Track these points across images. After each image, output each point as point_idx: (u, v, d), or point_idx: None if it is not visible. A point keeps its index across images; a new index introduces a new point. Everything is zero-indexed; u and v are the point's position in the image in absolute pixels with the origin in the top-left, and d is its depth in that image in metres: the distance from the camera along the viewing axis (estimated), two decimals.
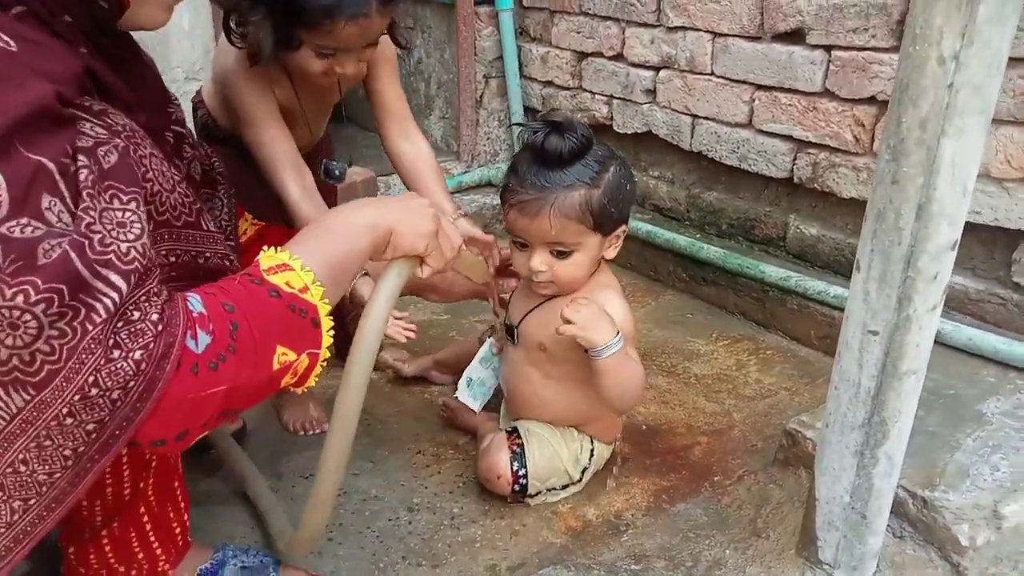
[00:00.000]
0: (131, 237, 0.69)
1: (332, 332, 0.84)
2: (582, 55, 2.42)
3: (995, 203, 1.58)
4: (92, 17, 0.75)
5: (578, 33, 2.40)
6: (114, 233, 0.68)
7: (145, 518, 0.95)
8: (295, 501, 1.28)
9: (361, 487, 1.32)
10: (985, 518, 1.13)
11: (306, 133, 1.39)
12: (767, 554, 1.13)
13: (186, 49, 1.46)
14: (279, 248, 0.84)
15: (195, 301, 0.74)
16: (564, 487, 1.32)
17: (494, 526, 1.24)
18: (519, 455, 1.26)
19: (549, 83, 2.57)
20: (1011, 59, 1.48)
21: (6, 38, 0.65)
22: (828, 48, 1.77)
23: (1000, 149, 1.54)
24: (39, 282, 0.62)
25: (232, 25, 1.15)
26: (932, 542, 1.13)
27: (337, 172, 1.46)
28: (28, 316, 0.62)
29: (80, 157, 0.67)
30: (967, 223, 1.58)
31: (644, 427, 1.52)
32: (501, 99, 2.68)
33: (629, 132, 2.34)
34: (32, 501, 0.70)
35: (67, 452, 0.69)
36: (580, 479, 1.32)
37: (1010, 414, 1.35)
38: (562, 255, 1.20)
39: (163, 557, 1.01)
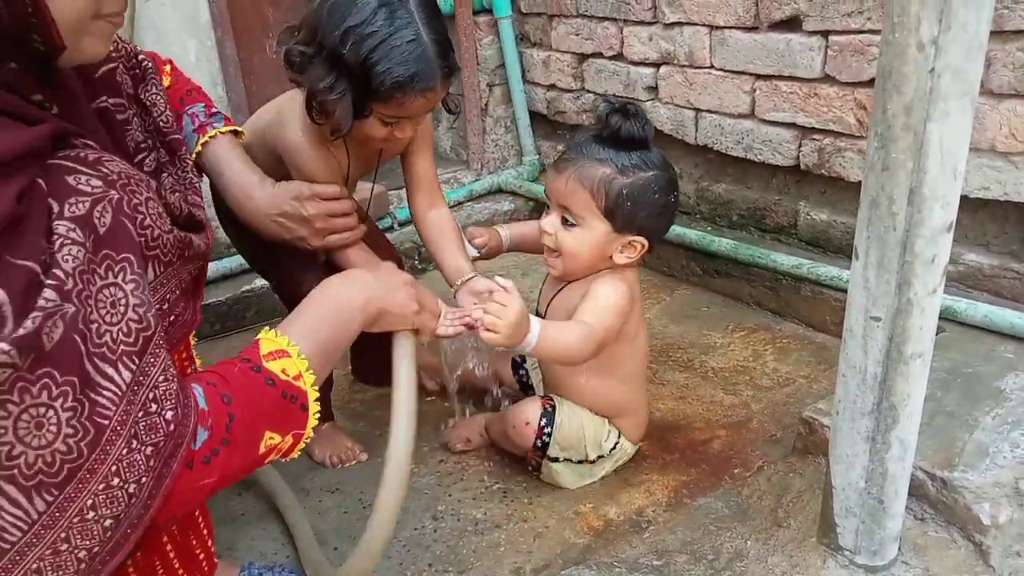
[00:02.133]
0: (126, 312, 0.71)
1: (317, 415, 0.90)
2: (583, 57, 2.43)
3: (1003, 177, 1.57)
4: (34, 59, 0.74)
5: (577, 35, 2.42)
6: (108, 317, 0.69)
7: (169, 547, 0.98)
8: (323, 515, 1.32)
9: None
10: (1007, 495, 1.12)
11: (348, 188, 1.44)
12: (788, 543, 1.14)
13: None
14: (278, 332, 0.90)
15: (199, 395, 0.78)
16: (579, 463, 1.33)
17: (517, 529, 1.26)
18: (549, 414, 1.31)
19: (552, 86, 2.59)
20: (1010, 32, 1.48)
21: None
22: (825, 34, 1.77)
23: (1004, 123, 1.53)
24: (57, 375, 0.64)
25: (313, 103, 1.19)
26: (954, 523, 1.13)
27: None
28: (51, 412, 0.63)
29: (73, 232, 0.68)
30: (977, 199, 1.60)
31: (663, 423, 1.53)
32: (506, 106, 2.71)
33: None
34: None
35: (82, 554, 0.68)
36: (594, 461, 1.33)
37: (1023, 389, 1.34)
38: (568, 224, 1.24)
39: None
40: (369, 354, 1.61)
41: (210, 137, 1.20)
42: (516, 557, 1.20)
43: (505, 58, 2.61)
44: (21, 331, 0.62)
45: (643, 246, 1.26)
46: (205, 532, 1.04)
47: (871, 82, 1.72)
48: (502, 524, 1.27)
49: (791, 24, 1.82)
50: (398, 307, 1.02)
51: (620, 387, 1.35)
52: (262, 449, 0.83)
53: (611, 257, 1.27)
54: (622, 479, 1.35)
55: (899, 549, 1.10)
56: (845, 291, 1.78)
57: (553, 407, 1.32)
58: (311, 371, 0.88)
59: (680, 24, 2.08)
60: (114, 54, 0.95)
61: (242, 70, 2.21)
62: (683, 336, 1.86)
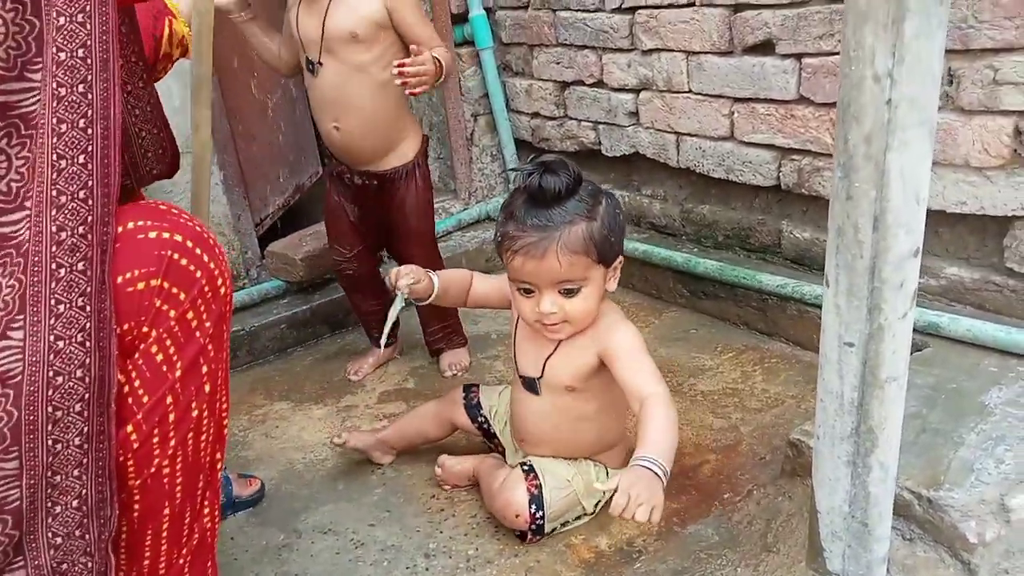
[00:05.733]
0: None
1: None
2: (564, 84, 2.47)
3: (979, 192, 1.58)
4: None
5: (558, 64, 2.45)
6: None
7: None
8: (315, 558, 1.32)
9: (379, 537, 1.35)
10: (992, 512, 1.13)
11: None
12: (778, 569, 1.14)
13: (178, 125, 1.53)
14: None
15: None
16: (577, 518, 1.34)
17: (509, 565, 1.26)
18: (537, 497, 1.28)
19: (536, 114, 2.62)
20: (977, 50, 1.51)
21: None
22: (798, 56, 1.80)
23: (976, 139, 1.56)
24: None
25: None
26: (941, 542, 1.14)
27: None
28: None
29: None
30: (955, 214, 1.61)
31: None
32: (491, 135, 2.74)
33: (618, 155, 2.38)
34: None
35: None
36: (593, 512, 1.34)
37: (1013, 403, 1.35)
38: (570, 293, 1.22)
39: None
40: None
41: None
42: None
43: (488, 88, 2.64)
44: None
45: (621, 260, 1.29)
46: None
47: None
48: (493, 560, 1.27)
49: (765, 48, 1.85)
50: None
51: (612, 423, 1.37)
52: None
53: (606, 290, 1.29)
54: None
55: (887, 571, 1.10)
56: None
57: (539, 487, 1.29)
58: None
59: (657, 51, 2.11)
60: None
61: (226, 111, 2.23)
62: (673, 360, 1.87)
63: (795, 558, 1.15)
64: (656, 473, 1.03)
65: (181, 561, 0.94)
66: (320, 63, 1.66)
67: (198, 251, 0.84)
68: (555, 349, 1.30)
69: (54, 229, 0.73)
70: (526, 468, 1.33)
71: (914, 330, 1.63)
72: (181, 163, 1.18)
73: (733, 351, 1.88)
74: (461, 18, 2.57)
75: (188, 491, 0.89)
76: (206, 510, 0.95)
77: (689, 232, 2.27)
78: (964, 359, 1.52)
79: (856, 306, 0.94)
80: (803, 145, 1.86)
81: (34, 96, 0.74)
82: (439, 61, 1.60)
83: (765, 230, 2.06)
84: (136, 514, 0.86)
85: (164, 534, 0.90)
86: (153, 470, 0.84)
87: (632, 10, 2.14)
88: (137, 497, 0.85)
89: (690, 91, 2.08)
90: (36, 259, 0.72)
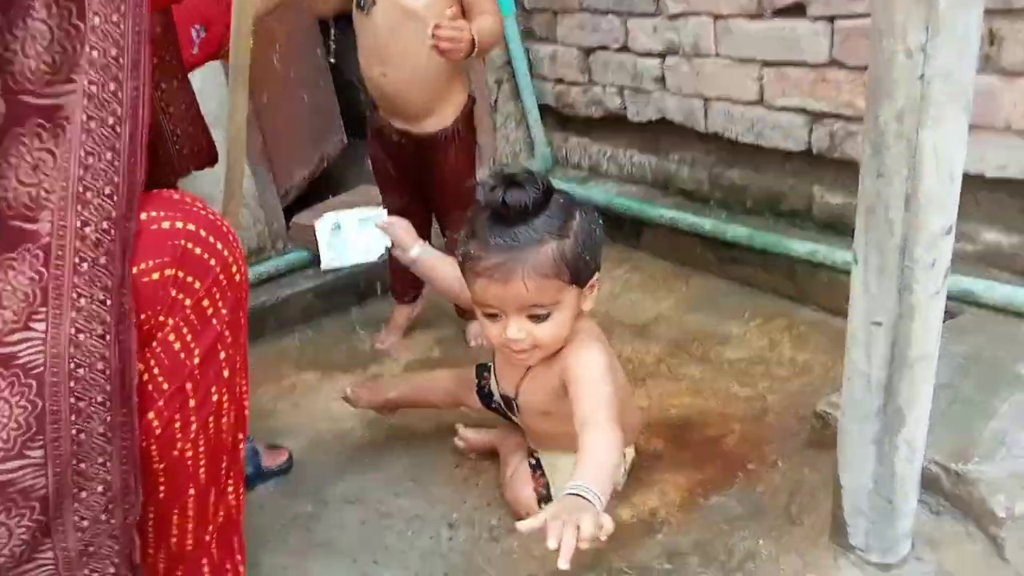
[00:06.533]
0: None
1: None
2: (589, 50, 2.42)
3: (1021, 156, 1.54)
4: None
5: (582, 29, 2.40)
6: None
7: (206, 568, 1.02)
8: (342, 528, 1.35)
9: (404, 507, 1.38)
10: (1023, 486, 1.12)
11: None
12: (801, 541, 1.15)
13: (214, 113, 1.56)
14: None
15: None
16: None
17: (531, 535, 1.28)
18: (545, 496, 1.28)
19: (560, 80, 2.58)
20: (1019, 10, 1.44)
21: None
22: (830, 19, 1.75)
23: (1018, 101, 1.51)
24: None
25: None
26: (969, 516, 1.13)
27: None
28: None
29: None
30: (995, 179, 1.56)
31: (678, 420, 1.54)
32: (515, 101, 2.70)
33: (644, 120, 2.34)
34: None
35: None
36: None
37: None
38: (539, 318, 1.11)
39: None
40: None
41: None
42: (529, 564, 1.22)
43: (511, 55, 2.60)
44: None
45: (598, 277, 1.20)
46: (239, 557, 1.07)
47: None
48: (515, 530, 1.29)
49: (796, 11, 1.80)
50: None
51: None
52: None
53: (581, 311, 1.19)
54: (636, 479, 1.37)
55: (912, 545, 1.10)
56: None
57: (547, 486, 1.28)
58: None
59: (684, 15, 2.06)
60: None
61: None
62: (700, 327, 1.86)
63: (819, 531, 1.15)
64: (587, 499, 0.95)
65: (208, 538, 0.97)
66: (374, 1, 1.63)
67: (212, 239, 0.85)
68: (526, 372, 1.24)
69: (78, 224, 0.74)
70: (533, 464, 1.32)
71: (949, 297, 1.61)
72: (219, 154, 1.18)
73: (761, 318, 1.87)
74: None
75: (212, 472, 0.92)
76: (230, 488, 0.98)
77: (718, 197, 2.23)
78: (1000, 327, 1.49)
79: (886, 286, 0.92)
80: (836, 109, 1.81)
81: (74, 95, 0.74)
82: (474, 38, 1.58)
83: (796, 195, 2.03)
84: (161, 495, 0.89)
85: (190, 513, 0.93)
86: (176, 454, 0.87)
87: None
88: (162, 479, 0.87)
89: (718, 55, 2.03)
90: (59, 252, 0.74)
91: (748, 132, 2.04)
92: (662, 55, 2.19)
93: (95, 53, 0.75)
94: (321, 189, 2.62)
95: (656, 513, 1.30)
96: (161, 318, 0.82)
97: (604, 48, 2.36)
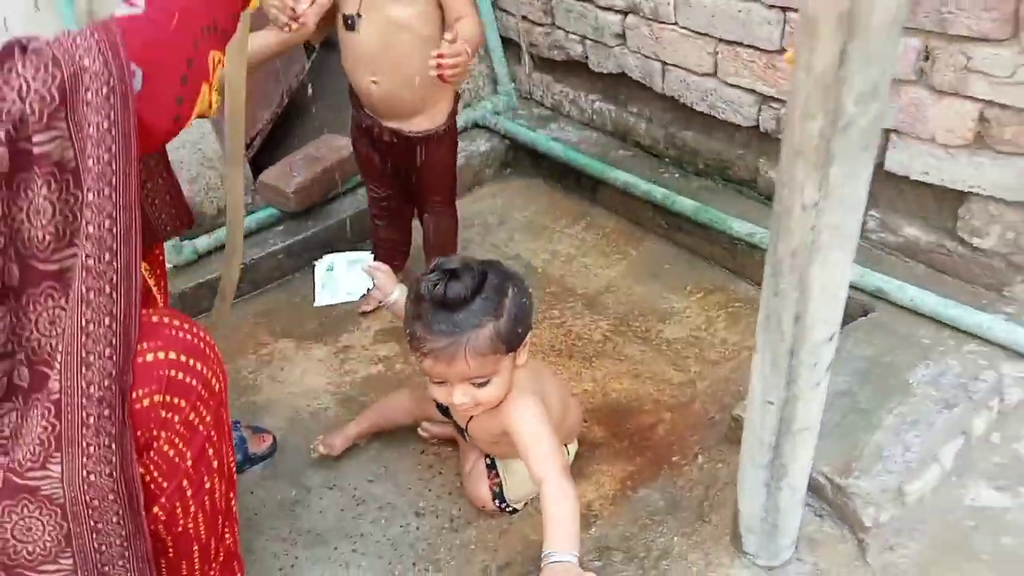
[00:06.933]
0: None
1: None
2: None
3: (941, 166, 1.65)
4: None
5: None
6: None
7: None
8: (323, 514, 1.56)
9: (376, 494, 1.59)
10: (890, 500, 1.34)
11: None
12: (707, 540, 1.37)
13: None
14: None
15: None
16: None
17: (486, 526, 1.50)
18: (499, 493, 1.48)
19: (524, 18, 2.54)
20: (953, 35, 1.50)
21: None
22: (784, 9, 1.77)
23: (944, 117, 1.59)
24: None
25: None
26: (845, 522, 1.36)
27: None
28: None
29: None
30: (918, 181, 1.68)
31: (617, 406, 1.73)
32: None
33: (604, 72, 2.36)
34: None
35: None
36: None
37: (933, 383, 1.52)
38: (482, 384, 1.27)
39: None
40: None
41: None
42: (484, 555, 1.45)
43: None
44: None
45: (530, 335, 1.33)
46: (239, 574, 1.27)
47: None
48: (474, 521, 1.51)
49: None
50: None
51: (561, 422, 1.48)
52: None
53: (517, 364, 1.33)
54: (576, 471, 1.57)
55: (796, 547, 1.33)
56: None
57: (500, 484, 1.48)
58: None
59: None
60: None
61: None
62: (644, 300, 2.02)
63: (723, 531, 1.37)
64: (570, 562, 1.15)
65: (212, 572, 1.17)
66: (359, 15, 1.65)
67: (192, 362, 0.97)
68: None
69: (84, 384, 0.86)
70: (489, 464, 1.51)
71: (863, 292, 1.78)
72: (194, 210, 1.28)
73: (701, 291, 2.03)
74: None
75: (210, 531, 1.10)
76: (227, 533, 1.16)
77: (671, 156, 2.31)
78: (903, 327, 1.66)
79: (777, 376, 1.08)
80: (784, 96, 1.87)
81: (76, 260, 0.84)
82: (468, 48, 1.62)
83: (743, 165, 2.12)
84: (170, 555, 1.07)
85: (196, 563, 1.12)
86: (180, 529, 1.04)
87: None
88: (170, 546, 1.06)
89: (676, 24, 2.03)
90: (68, 409, 0.86)
91: (701, 102, 2.09)
92: (623, 12, 2.18)
93: (91, 227, 0.84)
94: (287, 125, 2.64)
95: (591, 506, 1.52)
96: (155, 433, 0.97)
97: None
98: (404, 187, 1.96)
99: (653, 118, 2.34)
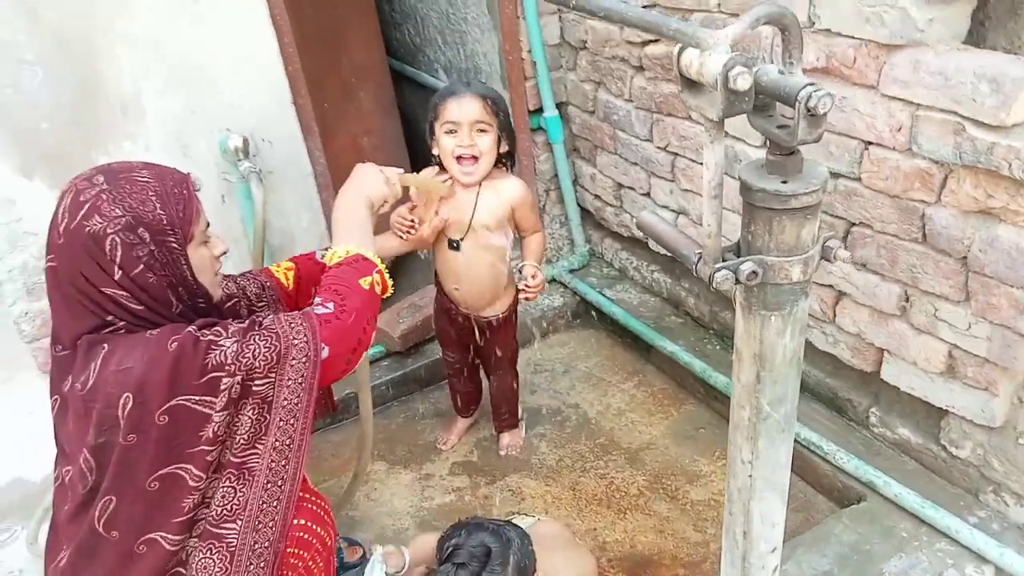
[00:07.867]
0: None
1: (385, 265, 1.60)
2: (620, 185, 2.86)
3: (924, 384, 1.96)
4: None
5: (615, 168, 2.84)
6: None
7: None
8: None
9: None
10: None
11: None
12: None
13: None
14: (333, 248, 1.59)
15: (318, 302, 1.44)
16: None
17: None
18: None
19: (598, 196, 3.03)
20: (923, 291, 1.85)
21: None
22: None
23: (921, 349, 1.92)
24: None
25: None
26: None
27: None
28: None
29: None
30: (908, 393, 1.99)
31: (639, 558, 2.09)
32: (560, 205, 3.18)
33: (661, 252, 2.79)
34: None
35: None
36: None
37: (903, 575, 1.81)
38: None
39: None
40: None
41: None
42: None
43: (558, 172, 3.07)
44: None
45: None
46: None
47: None
48: None
49: None
50: (370, 186, 1.71)
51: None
52: (366, 287, 1.48)
53: None
54: None
55: None
56: (820, 456, 2.21)
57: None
58: (356, 246, 1.57)
59: (692, 192, 2.49)
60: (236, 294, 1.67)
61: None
62: (677, 460, 2.38)
63: None
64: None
65: None
66: (463, 239, 2.17)
67: (315, 527, 1.46)
68: None
69: (251, 543, 1.35)
70: None
71: (858, 481, 2.09)
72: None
73: (726, 458, 2.36)
74: (537, 111, 2.97)
75: None
76: None
77: (715, 329, 2.70)
78: (887, 519, 1.96)
79: (735, 573, 1.44)
80: None
81: (256, 459, 1.34)
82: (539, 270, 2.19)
83: None
84: None
85: None
86: None
87: (674, 154, 2.50)
88: None
89: None
90: (239, 559, 1.35)
91: None
92: (677, 212, 2.62)
93: (277, 443, 1.34)
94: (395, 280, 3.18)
95: None
96: (286, 574, 1.44)
97: (632, 188, 2.80)
98: (472, 354, 2.45)
99: (701, 295, 2.74)
